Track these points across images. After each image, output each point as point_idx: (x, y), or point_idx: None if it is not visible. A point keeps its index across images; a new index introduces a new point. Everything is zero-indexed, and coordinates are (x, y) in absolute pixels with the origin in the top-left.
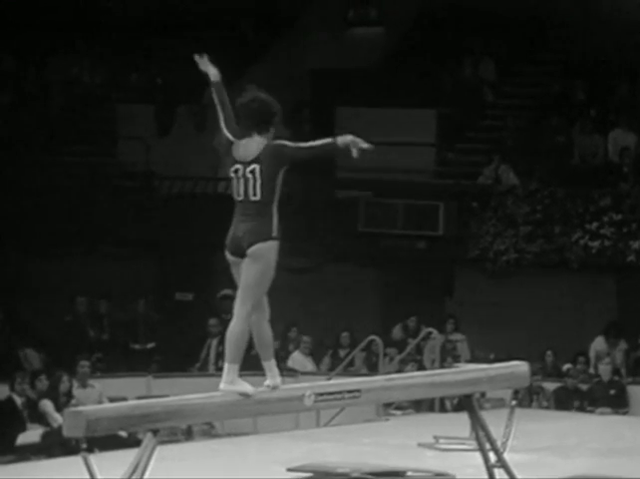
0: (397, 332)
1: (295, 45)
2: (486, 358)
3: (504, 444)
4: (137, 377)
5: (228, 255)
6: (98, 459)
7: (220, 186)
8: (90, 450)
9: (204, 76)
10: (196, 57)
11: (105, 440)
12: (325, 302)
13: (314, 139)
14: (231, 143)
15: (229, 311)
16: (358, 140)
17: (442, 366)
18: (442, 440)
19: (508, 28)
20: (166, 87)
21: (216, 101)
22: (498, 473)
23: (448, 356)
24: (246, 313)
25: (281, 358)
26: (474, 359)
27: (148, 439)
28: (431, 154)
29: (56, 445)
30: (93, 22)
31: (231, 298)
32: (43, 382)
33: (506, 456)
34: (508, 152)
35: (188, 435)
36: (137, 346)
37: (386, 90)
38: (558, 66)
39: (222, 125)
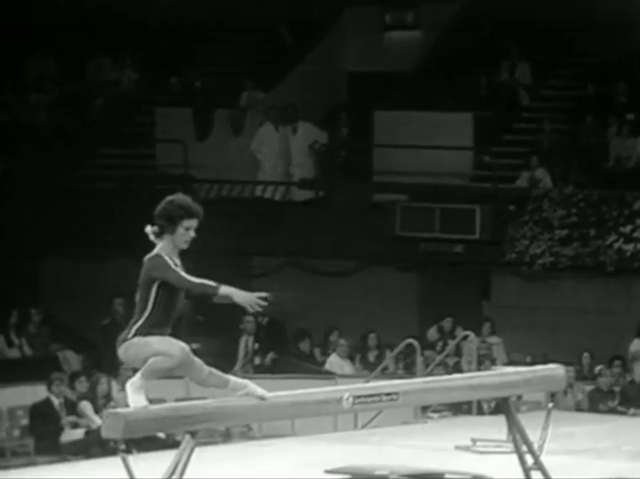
0: (432, 334)
1: (332, 49)
2: (523, 361)
3: (541, 446)
4: (175, 379)
5: None
6: (136, 460)
7: (258, 189)
8: (128, 451)
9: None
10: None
11: (143, 441)
12: (363, 306)
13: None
14: None
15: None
16: (252, 297)
17: (479, 369)
18: (479, 443)
19: (544, 31)
20: (205, 90)
21: None
22: (535, 475)
23: (485, 359)
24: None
25: (320, 362)
26: (510, 362)
27: (186, 441)
28: (467, 157)
29: (95, 446)
30: (133, 26)
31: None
32: (82, 384)
33: (543, 458)
34: (545, 155)
35: (226, 437)
36: None
37: (423, 93)
38: (594, 69)
39: None
